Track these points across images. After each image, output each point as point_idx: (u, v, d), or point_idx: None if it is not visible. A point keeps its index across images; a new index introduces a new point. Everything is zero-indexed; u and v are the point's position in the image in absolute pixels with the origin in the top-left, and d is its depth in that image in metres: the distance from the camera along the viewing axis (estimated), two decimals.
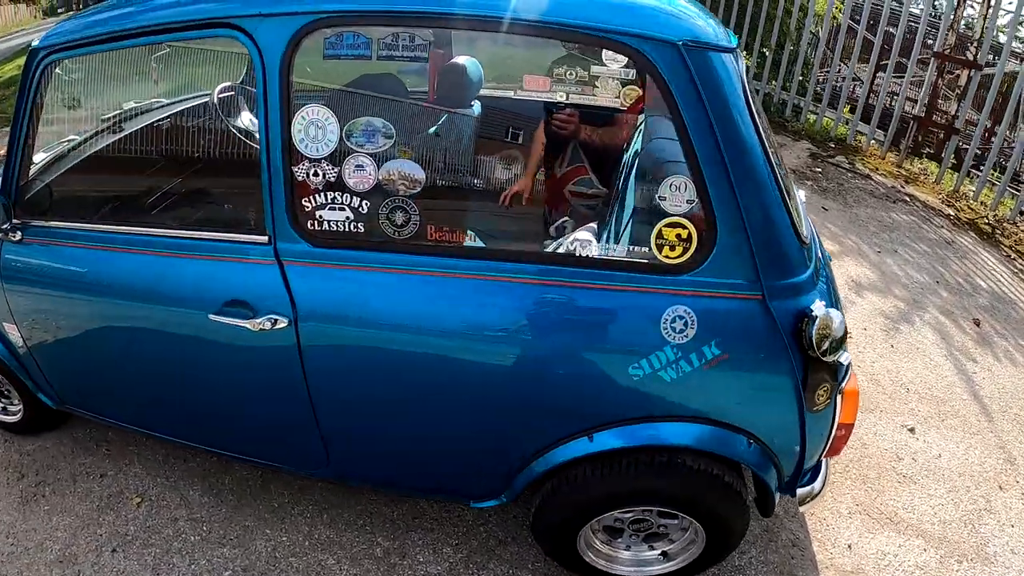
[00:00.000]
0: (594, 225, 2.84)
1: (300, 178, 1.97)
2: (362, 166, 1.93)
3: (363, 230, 2.00)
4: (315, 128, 1.92)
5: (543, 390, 1.97)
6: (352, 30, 1.87)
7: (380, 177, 1.94)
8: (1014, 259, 5.29)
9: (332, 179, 1.95)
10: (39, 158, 2.61)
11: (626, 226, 2.76)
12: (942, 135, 6.01)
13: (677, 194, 1.80)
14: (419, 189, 1.95)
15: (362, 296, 2.04)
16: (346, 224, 2.00)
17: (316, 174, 1.96)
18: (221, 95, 3.07)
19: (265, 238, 2.05)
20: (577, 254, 2.03)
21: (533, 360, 1.95)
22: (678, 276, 1.82)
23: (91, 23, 2.22)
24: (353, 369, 2.13)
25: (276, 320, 2.05)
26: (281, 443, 2.46)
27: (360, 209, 1.97)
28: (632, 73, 3.66)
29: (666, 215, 1.81)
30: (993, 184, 5.86)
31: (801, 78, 6.83)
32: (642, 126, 3.17)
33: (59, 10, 17.39)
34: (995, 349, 4.11)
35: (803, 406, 1.87)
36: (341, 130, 1.91)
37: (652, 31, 1.70)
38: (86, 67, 2.49)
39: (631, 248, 1.89)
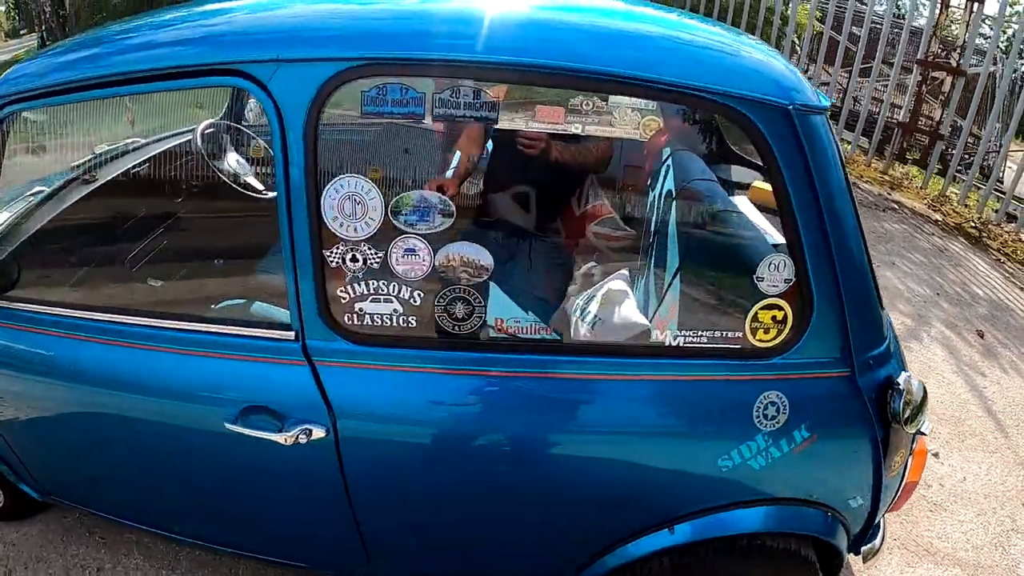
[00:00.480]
0: (626, 272, 2.42)
1: (334, 264, 1.47)
2: (414, 250, 1.45)
3: (415, 325, 1.52)
4: (353, 203, 1.42)
5: (622, 486, 1.66)
6: (400, 81, 1.37)
7: (437, 263, 1.46)
8: (1003, 263, 5.10)
9: (375, 265, 1.46)
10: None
11: (672, 280, 2.33)
12: (927, 141, 5.73)
13: (775, 274, 1.50)
14: (485, 277, 1.48)
15: (415, 400, 1.56)
16: (393, 318, 1.51)
17: (355, 259, 1.46)
18: (206, 132, 2.53)
19: (291, 334, 1.55)
20: (667, 344, 1.61)
21: (614, 457, 1.64)
22: (770, 360, 1.55)
23: (59, 65, 1.68)
24: (404, 474, 1.67)
25: (311, 431, 1.56)
26: (311, 545, 1.97)
27: (411, 301, 1.49)
28: (652, 104, 3.19)
29: (762, 296, 1.52)
30: (979, 187, 5.64)
31: None
32: (668, 162, 2.74)
33: (21, 32, 16.14)
34: (1001, 360, 3.95)
35: (881, 473, 1.66)
36: (386, 206, 1.42)
37: (760, 93, 1.40)
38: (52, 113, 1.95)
39: (722, 334, 1.58)
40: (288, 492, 1.75)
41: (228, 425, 1.59)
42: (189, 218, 2.66)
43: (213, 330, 1.62)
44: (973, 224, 5.48)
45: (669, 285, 2.37)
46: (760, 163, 1.46)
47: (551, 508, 1.72)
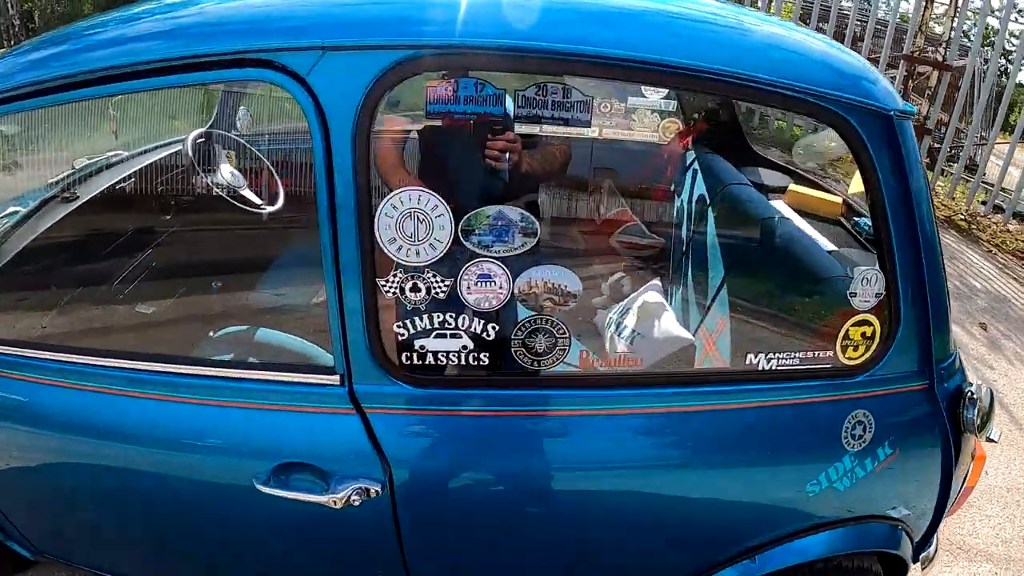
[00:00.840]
0: (658, 282, 2.16)
1: (390, 294, 1.16)
2: (489, 276, 1.15)
3: (486, 362, 1.22)
4: (415, 222, 1.11)
5: (707, 520, 1.46)
6: (476, 75, 1.07)
7: (517, 290, 1.16)
8: (995, 254, 5.03)
9: (441, 295, 1.16)
10: None
11: (717, 292, 2.08)
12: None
13: (867, 288, 1.35)
14: (572, 304, 1.19)
15: (488, 448, 1.26)
16: (462, 356, 1.21)
17: (416, 288, 1.16)
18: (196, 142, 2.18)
19: (336, 378, 1.23)
20: (760, 368, 1.35)
21: (704, 493, 1.43)
22: (856, 378, 1.38)
23: (32, 63, 1.33)
24: (475, 533, 1.37)
25: (367, 490, 1.24)
26: None
27: (484, 334, 1.19)
28: (674, 105, 2.93)
29: (854, 312, 1.36)
30: (966, 180, 5.58)
31: None
32: (694, 166, 2.49)
33: None
34: (1006, 352, 3.86)
35: (949, 483, 1.53)
36: (456, 225, 1.12)
37: (863, 98, 1.24)
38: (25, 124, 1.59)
39: (813, 354, 1.38)
40: (326, 556, 1.43)
41: (260, 487, 1.27)
42: (181, 237, 2.30)
43: (234, 375, 1.29)
44: (962, 216, 5.40)
45: (715, 297, 2.11)
46: (789, 168, 1.28)
47: (634, 549, 1.44)
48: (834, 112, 1.23)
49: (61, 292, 1.85)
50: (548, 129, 1.79)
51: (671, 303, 2.31)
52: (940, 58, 5.20)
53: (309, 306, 1.91)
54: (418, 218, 1.11)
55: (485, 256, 1.14)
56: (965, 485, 1.65)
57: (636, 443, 1.31)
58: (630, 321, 2.07)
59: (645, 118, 2.36)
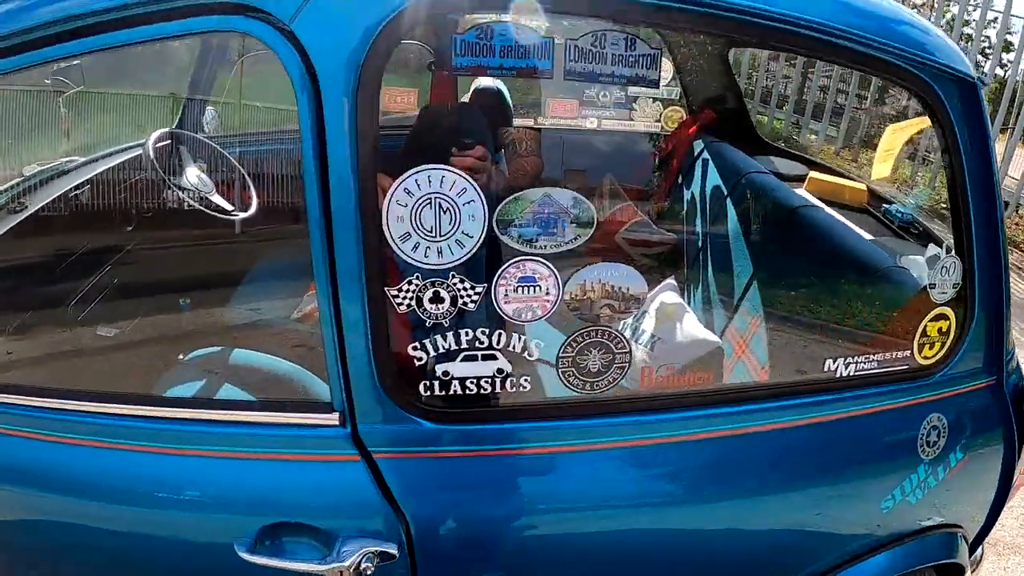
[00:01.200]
0: (673, 282, 1.90)
1: (403, 307, 0.86)
2: (533, 279, 0.85)
3: (528, 388, 0.91)
4: (437, 212, 0.81)
5: (770, 548, 1.19)
6: (511, 19, 0.77)
7: (568, 295, 0.87)
8: None
9: (470, 305, 0.86)
10: None
11: (746, 289, 1.81)
12: None
13: (946, 278, 1.15)
14: (635, 311, 0.89)
15: (534, 493, 0.96)
16: (496, 382, 0.90)
17: (437, 298, 0.85)
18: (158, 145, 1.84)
19: (335, 417, 0.91)
20: (839, 375, 1.08)
21: (769, 518, 1.15)
22: (932, 378, 1.18)
23: None
24: None
25: (381, 552, 0.93)
26: None
27: (525, 354, 0.89)
28: (677, 93, 2.68)
29: (932, 306, 1.16)
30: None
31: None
32: (704, 155, 2.23)
33: None
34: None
35: (1010, 482, 1.35)
36: (488, 215, 0.82)
37: (950, 63, 1.07)
38: None
39: (890, 355, 1.15)
40: None
41: (243, 554, 0.94)
42: (145, 250, 1.95)
43: (205, 417, 0.97)
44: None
45: (743, 296, 1.84)
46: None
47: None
48: (919, 77, 1.05)
49: (6, 317, 1.50)
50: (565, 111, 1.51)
51: (691, 304, 2.04)
52: None
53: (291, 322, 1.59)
54: (441, 206, 0.80)
55: (528, 254, 0.84)
56: (1017, 481, 1.43)
57: (711, 473, 1.02)
58: (648, 325, 1.78)
59: (647, 107, 2.05)
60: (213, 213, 1.78)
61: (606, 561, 0.99)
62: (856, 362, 1.07)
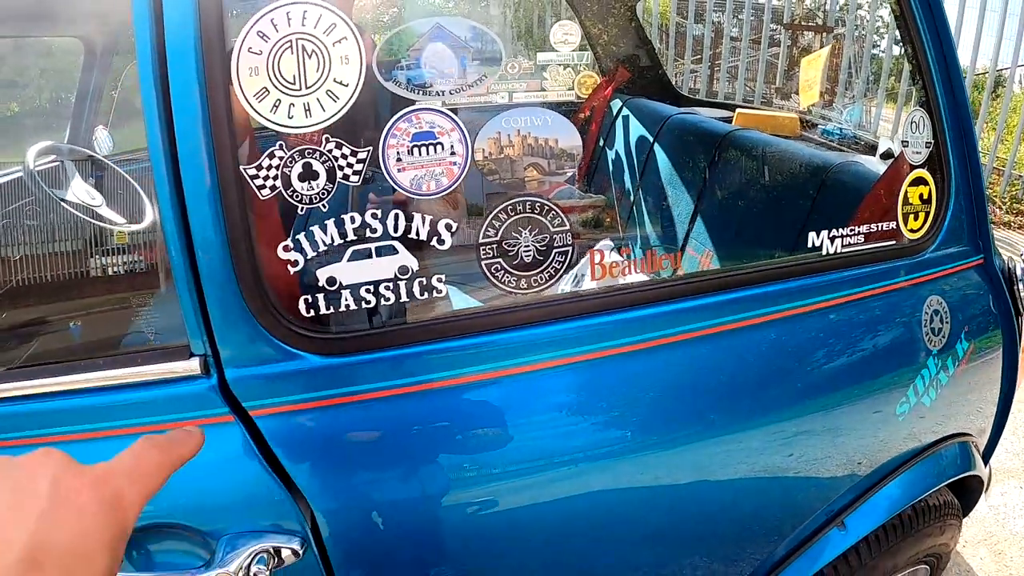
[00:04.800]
0: (608, 241, 1.76)
1: (265, 192, 0.65)
2: (432, 135, 0.66)
3: (441, 292, 0.71)
4: (300, 57, 0.62)
5: (786, 478, 0.97)
6: None
7: (479, 155, 0.68)
8: None
9: (352, 177, 0.66)
10: None
11: (690, 226, 1.70)
12: None
13: (917, 136, 1.05)
14: (568, 171, 0.72)
15: (482, 435, 0.74)
16: (400, 286, 0.70)
17: (309, 172, 0.65)
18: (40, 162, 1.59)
19: (194, 363, 0.69)
20: (826, 253, 0.94)
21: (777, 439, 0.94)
22: (921, 256, 1.07)
23: None
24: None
25: (277, 551, 0.69)
26: None
27: (435, 243, 0.69)
28: (588, 57, 2.60)
29: (910, 168, 1.04)
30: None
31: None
32: (624, 112, 2.14)
33: None
34: None
35: (1015, 374, 1.24)
36: (365, 53, 0.63)
37: None
38: None
39: (877, 227, 1.02)
40: None
41: None
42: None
43: (20, 391, 0.72)
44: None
45: (688, 233, 1.71)
46: None
47: (676, 540, 0.95)
48: None
49: None
50: None
51: (634, 254, 1.90)
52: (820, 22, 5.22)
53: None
54: (304, 49, 0.61)
55: (422, 103, 0.65)
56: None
57: (688, 397, 0.84)
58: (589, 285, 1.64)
59: (559, 75, 1.94)
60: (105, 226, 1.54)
61: (592, 527, 0.78)
62: (841, 236, 0.93)
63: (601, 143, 2.18)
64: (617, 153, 2.07)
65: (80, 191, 1.60)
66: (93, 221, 1.52)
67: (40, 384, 0.71)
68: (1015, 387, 1.28)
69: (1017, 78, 5.50)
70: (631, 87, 2.19)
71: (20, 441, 0.72)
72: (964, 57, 5.20)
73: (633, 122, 2.02)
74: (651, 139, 1.86)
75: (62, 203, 1.54)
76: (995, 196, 5.01)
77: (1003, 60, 4.96)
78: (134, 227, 1.62)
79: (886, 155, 1.23)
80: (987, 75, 5.02)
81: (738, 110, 1.88)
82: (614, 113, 2.16)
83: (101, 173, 1.72)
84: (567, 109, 2.07)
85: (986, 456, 1.35)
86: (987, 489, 1.38)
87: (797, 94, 1.72)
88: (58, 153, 1.69)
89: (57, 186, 1.59)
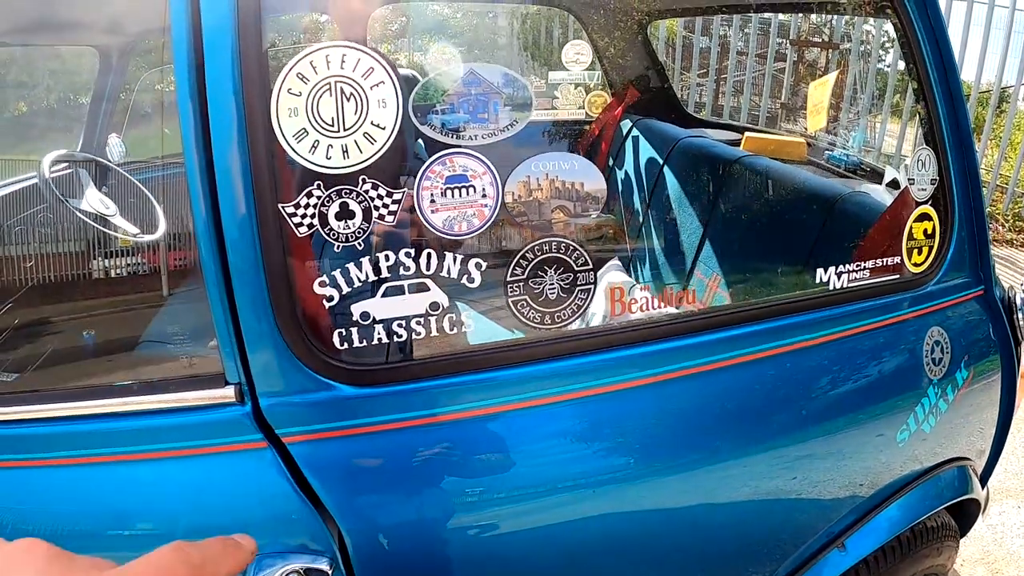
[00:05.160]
0: (617, 261, 1.80)
1: (303, 229, 0.68)
2: (464, 177, 0.69)
3: (472, 326, 0.74)
4: (338, 100, 0.65)
5: (788, 501, 1.00)
6: None
7: (508, 197, 0.71)
8: None
9: (388, 216, 0.69)
10: None
11: (699, 250, 1.73)
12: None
13: (923, 173, 1.08)
14: (593, 212, 0.75)
15: (505, 463, 0.77)
16: (432, 321, 0.73)
17: (346, 211, 0.68)
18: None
19: (229, 391, 0.72)
20: (832, 288, 0.97)
21: (783, 462, 0.98)
22: (924, 288, 1.11)
23: None
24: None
25: (307, 570, 0.72)
26: None
27: (466, 279, 0.72)
28: (598, 76, 2.64)
29: (915, 205, 1.08)
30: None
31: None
32: (634, 133, 2.17)
33: None
34: None
35: (1014, 400, 1.27)
36: (403, 100, 0.66)
37: None
38: None
39: (880, 262, 1.06)
40: None
41: None
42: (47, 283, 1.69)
43: (58, 413, 0.75)
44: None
45: (696, 256, 1.74)
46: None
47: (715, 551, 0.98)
48: None
49: None
50: None
51: (641, 279, 1.93)
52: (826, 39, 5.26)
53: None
54: (343, 92, 0.64)
55: (455, 146, 0.68)
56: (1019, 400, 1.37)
57: (702, 420, 0.87)
58: (599, 308, 1.66)
59: (569, 94, 1.97)
60: (118, 235, 1.57)
61: (605, 546, 0.81)
62: (847, 272, 0.96)
63: (611, 162, 2.22)
64: (627, 173, 2.10)
65: (94, 200, 1.63)
66: (106, 230, 1.55)
67: (83, 406, 0.74)
68: (1013, 412, 1.31)
69: (1021, 95, 5.52)
70: (640, 106, 2.23)
71: (60, 460, 0.75)
72: (969, 74, 5.24)
73: (643, 143, 2.05)
74: (661, 161, 1.89)
75: (76, 212, 1.57)
76: (998, 214, 5.04)
77: (1007, 78, 5.00)
78: (148, 236, 1.65)
79: (893, 184, 1.26)
80: (991, 92, 5.06)
81: (747, 134, 1.91)
82: (624, 133, 2.19)
83: (116, 181, 1.74)
84: (578, 128, 2.12)
85: (984, 478, 1.38)
86: (984, 510, 1.41)
87: (803, 110, 1.75)
88: (72, 162, 1.72)
89: (71, 195, 1.62)
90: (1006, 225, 4.92)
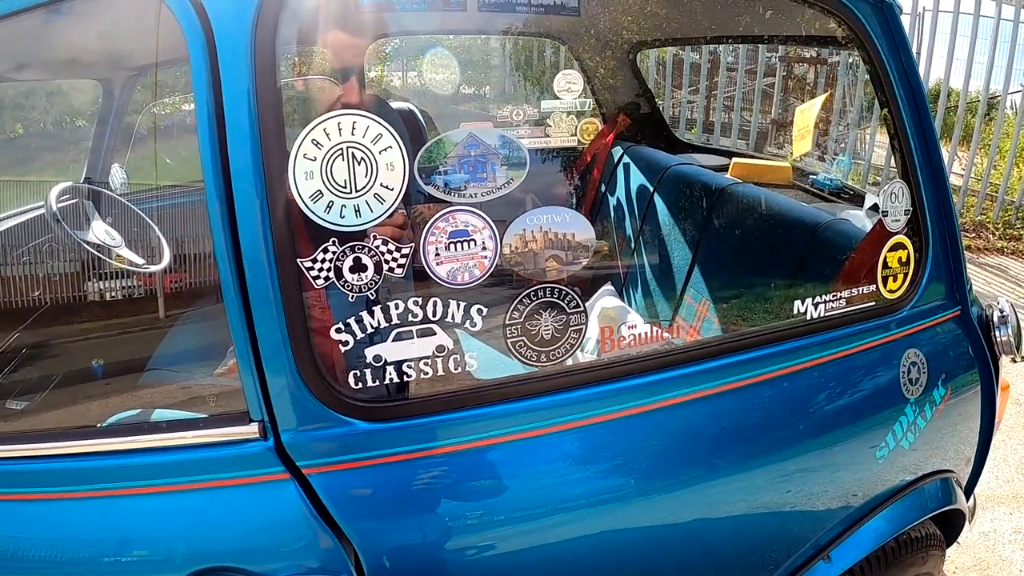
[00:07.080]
0: (610, 286, 1.87)
1: (320, 281, 0.76)
2: (466, 232, 0.76)
3: (476, 365, 0.82)
4: (350, 164, 0.72)
5: (774, 516, 1.08)
6: None
7: (507, 249, 0.79)
8: None
9: (397, 269, 0.76)
10: None
11: (688, 276, 1.79)
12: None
13: (896, 204, 1.14)
14: (583, 261, 0.82)
15: (516, 490, 0.85)
16: (438, 362, 0.80)
17: (359, 265, 0.76)
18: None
19: (254, 428, 0.79)
20: (810, 318, 1.05)
21: (768, 481, 1.05)
22: (899, 313, 1.17)
23: None
24: None
25: None
26: None
27: (468, 324, 0.80)
28: (588, 104, 2.70)
29: (889, 236, 1.15)
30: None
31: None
32: (624, 159, 2.24)
33: None
34: None
35: (994, 415, 1.33)
36: (409, 161, 0.74)
37: None
38: None
39: (857, 291, 1.12)
40: None
41: None
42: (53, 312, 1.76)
43: (96, 448, 0.82)
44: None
45: (686, 282, 1.82)
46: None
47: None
48: (844, 5, 1.08)
49: None
50: None
51: (632, 304, 2.00)
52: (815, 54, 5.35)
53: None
54: (354, 156, 0.72)
55: (457, 204, 0.76)
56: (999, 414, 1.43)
57: (691, 446, 0.94)
58: (593, 333, 1.74)
59: (562, 122, 2.05)
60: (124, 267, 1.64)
61: (607, 559, 0.88)
62: (824, 302, 1.03)
63: (603, 188, 2.30)
64: (618, 199, 2.18)
65: (100, 232, 1.70)
66: (112, 262, 1.61)
67: (114, 442, 0.81)
68: (994, 425, 1.37)
69: (1009, 103, 5.62)
70: (630, 133, 2.30)
71: (91, 493, 0.82)
72: (956, 82, 5.34)
73: (634, 170, 2.13)
74: (651, 188, 1.97)
75: (83, 245, 1.64)
76: (988, 222, 5.12)
77: (994, 86, 5.09)
78: (152, 268, 1.72)
79: (874, 208, 1.33)
80: (979, 100, 5.15)
81: (734, 160, 1.99)
82: (615, 159, 2.27)
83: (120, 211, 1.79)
84: (570, 155, 2.20)
85: (968, 489, 1.43)
86: (971, 520, 1.47)
87: (790, 125, 1.82)
88: (78, 194, 1.78)
89: (78, 227, 1.69)
90: (996, 233, 5.00)
